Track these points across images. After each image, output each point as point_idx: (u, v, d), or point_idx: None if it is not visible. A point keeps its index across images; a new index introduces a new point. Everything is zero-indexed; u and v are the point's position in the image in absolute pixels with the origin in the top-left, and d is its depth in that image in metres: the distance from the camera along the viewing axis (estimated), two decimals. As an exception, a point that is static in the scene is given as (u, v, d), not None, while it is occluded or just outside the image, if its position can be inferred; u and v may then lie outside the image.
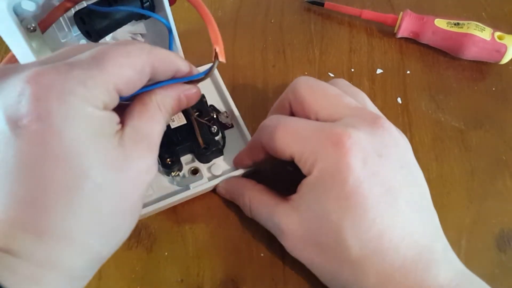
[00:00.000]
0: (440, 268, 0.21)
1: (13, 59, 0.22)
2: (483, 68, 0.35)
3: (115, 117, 0.18)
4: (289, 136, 0.23)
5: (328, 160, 0.21)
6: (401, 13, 0.35)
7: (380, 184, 0.21)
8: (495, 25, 0.35)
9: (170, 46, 0.25)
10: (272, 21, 0.38)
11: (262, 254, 0.27)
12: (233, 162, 0.29)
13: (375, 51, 0.36)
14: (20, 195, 0.15)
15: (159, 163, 0.27)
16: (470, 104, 0.33)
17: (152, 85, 0.20)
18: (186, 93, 0.22)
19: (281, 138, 0.23)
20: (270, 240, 0.27)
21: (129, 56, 0.18)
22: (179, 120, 0.28)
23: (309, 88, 0.24)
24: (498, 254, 0.27)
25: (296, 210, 0.23)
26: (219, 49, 0.21)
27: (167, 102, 0.21)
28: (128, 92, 0.19)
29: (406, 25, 0.35)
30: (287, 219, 0.23)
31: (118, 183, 0.18)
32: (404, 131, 0.32)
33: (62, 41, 0.26)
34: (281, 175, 0.29)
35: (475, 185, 0.30)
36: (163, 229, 0.28)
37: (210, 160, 0.29)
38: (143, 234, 0.28)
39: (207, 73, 0.22)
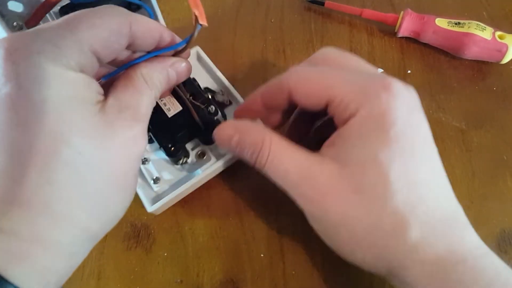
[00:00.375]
0: (473, 231, 0.21)
1: None
2: (484, 68, 0.35)
3: (95, 85, 0.17)
4: (331, 78, 0.21)
5: (378, 102, 0.20)
6: (402, 12, 0.35)
7: (422, 134, 0.21)
8: (496, 25, 0.34)
9: None
10: (272, 20, 0.38)
11: (262, 255, 0.27)
12: (236, 110, 0.26)
13: (375, 50, 0.36)
14: None
15: (166, 154, 0.27)
16: (471, 104, 0.33)
17: (137, 59, 0.20)
18: (174, 67, 0.21)
19: (321, 79, 0.21)
20: (270, 241, 0.27)
21: (103, 17, 0.17)
22: (175, 108, 0.28)
23: (340, 54, 0.24)
24: (499, 255, 0.27)
25: (332, 159, 0.21)
26: (198, 12, 0.20)
27: (154, 75, 0.20)
28: (106, 54, 0.18)
29: (407, 24, 0.35)
30: (321, 170, 0.20)
31: (101, 151, 0.16)
32: (405, 131, 0.32)
33: None
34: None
35: (476, 185, 0.30)
36: (163, 230, 0.28)
37: (214, 141, 0.29)
38: (143, 235, 0.28)
39: (189, 40, 0.21)
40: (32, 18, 0.22)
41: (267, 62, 0.35)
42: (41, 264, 0.15)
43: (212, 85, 0.32)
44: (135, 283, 0.26)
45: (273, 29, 0.37)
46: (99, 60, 0.18)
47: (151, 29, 0.20)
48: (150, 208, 0.26)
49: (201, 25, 0.20)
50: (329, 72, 0.22)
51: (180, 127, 0.27)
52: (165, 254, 0.27)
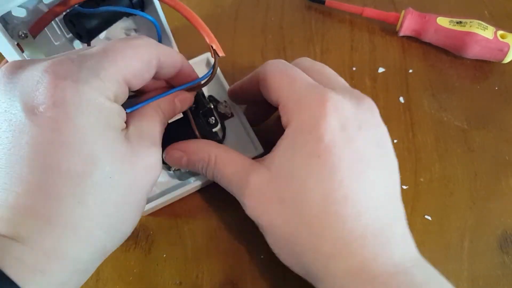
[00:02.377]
0: (397, 248, 0.21)
1: None
2: (486, 67, 0.35)
3: (123, 113, 0.19)
4: (285, 80, 0.22)
5: (309, 114, 0.21)
6: (403, 11, 0.35)
7: (354, 152, 0.21)
8: (498, 24, 0.34)
9: (159, 41, 0.25)
10: (272, 19, 0.38)
11: (262, 256, 0.27)
12: (228, 91, 0.29)
13: (377, 49, 0.36)
14: (30, 181, 0.16)
15: None
16: (473, 104, 0.33)
17: (164, 92, 0.22)
18: (179, 98, 0.23)
19: (278, 79, 0.23)
20: (270, 242, 0.27)
21: (137, 49, 0.19)
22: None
23: (277, 73, 0.24)
24: (500, 255, 0.27)
25: (267, 168, 0.22)
26: (216, 45, 0.22)
27: (163, 105, 0.22)
28: (136, 84, 0.19)
29: (408, 23, 0.34)
30: (256, 176, 0.22)
31: (127, 176, 0.18)
32: (407, 131, 0.32)
33: (56, 43, 0.26)
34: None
35: (478, 186, 0.29)
36: (162, 231, 0.28)
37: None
38: (141, 236, 0.28)
39: (212, 73, 0.22)
40: (36, 25, 0.22)
41: (267, 61, 0.35)
42: (58, 279, 0.16)
43: (216, 94, 0.31)
44: (133, 284, 0.26)
45: (273, 28, 0.37)
46: (129, 89, 0.20)
47: (175, 60, 0.21)
48: None
49: (219, 56, 0.22)
50: (290, 72, 0.23)
51: (178, 135, 0.27)
52: (164, 255, 0.27)
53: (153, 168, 0.20)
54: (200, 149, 0.24)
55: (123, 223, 0.19)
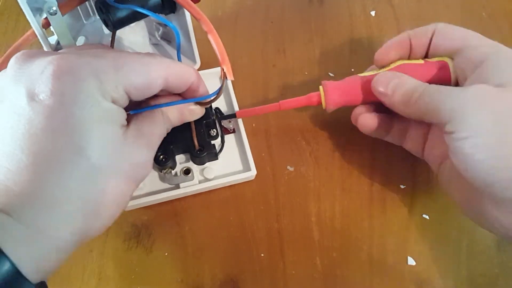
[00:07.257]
0: None
1: (32, 35, 0.24)
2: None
3: (123, 114, 0.20)
4: (468, 31, 0.26)
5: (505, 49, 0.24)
6: (320, 87, 0.28)
7: None
8: (496, 25, 0.34)
9: (178, 50, 0.25)
10: (272, 20, 0.38)
11: (262, 255, 0.27)
12: (384, 48, 0.29)
13: (376, 50, 0.36)
14: (21, 160, 0.17)
15: (154, 160, 0.27)
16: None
17: (167, 103, 0.22)
18: (189, 108, 0.24)
19: (462, 30, 0.26)
20: (270, 241, 0.27)
21: (145, 66, 0.20)
22: None
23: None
24: (499, 254, 0.27)
25: (480, 83, 0.23)
26: (227, 68, 0.22)
27: (170, 111, 0.23)
28: (137, 95, 0.20)
29: (333, 97, 0.28)
30: (471, 89, 0.22)
31: (112, 170, 0.19)
32: (405, 131, 0.32)
33: (85, 22, 0.27)
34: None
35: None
36: (163, 230, 0.28)
37: (204, 163, 0.29)
38: (143, 235, 0.28)
39: (218, 93, 0.23)
40: (66, 4, 0.23)
41: (267, 62, 0.35)
42: (39, 252, 0.17)
43: (223, 107, 0.31)
44: (135, 283, 0.26)
45: (273, 29, 0.37)
46: (130, 98, 0.20)
47: (185, 81, 0.22)
48: None
49: (228, 80, 0.23)
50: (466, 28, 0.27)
51: (177, 140, 0.27)
52: (166, 254, 0.27)
53: (142, 168, 0.21)
54: (410, 77, 0.26)
55: (103, 212, 0.19)
